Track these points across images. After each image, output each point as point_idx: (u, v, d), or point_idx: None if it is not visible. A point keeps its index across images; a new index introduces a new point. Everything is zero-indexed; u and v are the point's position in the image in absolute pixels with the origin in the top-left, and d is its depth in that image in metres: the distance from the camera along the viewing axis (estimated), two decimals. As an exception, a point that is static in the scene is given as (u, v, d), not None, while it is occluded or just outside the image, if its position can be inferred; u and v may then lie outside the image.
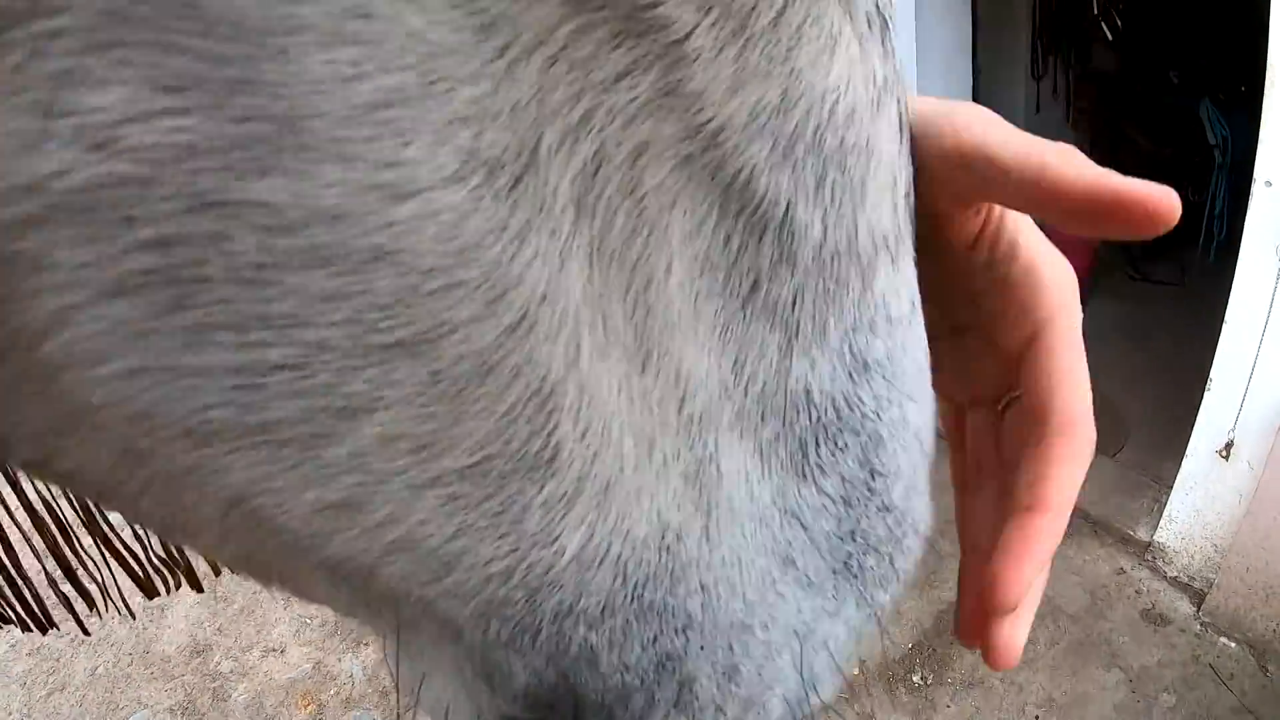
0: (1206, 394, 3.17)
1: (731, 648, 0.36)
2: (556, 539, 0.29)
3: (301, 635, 3.50)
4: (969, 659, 3.21)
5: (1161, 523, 3.50)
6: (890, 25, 0.32)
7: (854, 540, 0.40)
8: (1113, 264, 5.84)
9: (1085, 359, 0.41)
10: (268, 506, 0.25)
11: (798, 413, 0.35)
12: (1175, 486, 3.39)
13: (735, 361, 0.32)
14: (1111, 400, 4.54)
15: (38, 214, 0.18)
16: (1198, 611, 3.36)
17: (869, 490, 0.40)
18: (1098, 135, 6.06)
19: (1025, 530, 0.40)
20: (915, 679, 3.16)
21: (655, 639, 0.34)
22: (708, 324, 0.31)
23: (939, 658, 3.23)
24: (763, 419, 0.34)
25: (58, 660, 3.13)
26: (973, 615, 0.42)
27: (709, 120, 0.27)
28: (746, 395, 0.33)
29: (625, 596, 0.32)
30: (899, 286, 0.36)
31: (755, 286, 0.31)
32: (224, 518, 0.26)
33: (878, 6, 0.31)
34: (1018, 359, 0.42)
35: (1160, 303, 5.44)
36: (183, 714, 3.13)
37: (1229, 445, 3.15)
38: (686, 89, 0.26)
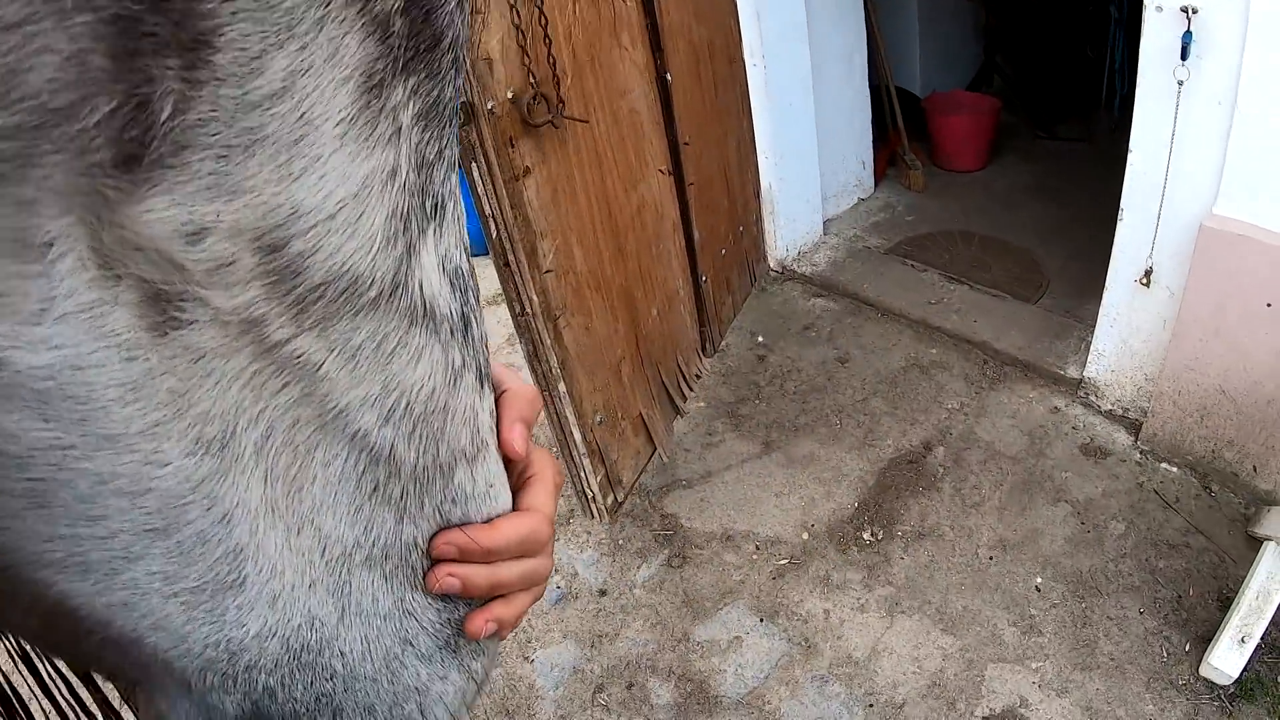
0: (1120, 224, 3.16)
1: (367, 692, 0.58)
2: (245, 625, 0.50)
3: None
4: (915, 510, 3.21)
5: (1090, 358, 3.52)
6: (472, 325, 0.55)
7: (451, 626, 0.62)
8: (1021, 127, 5.87)
9: (555, 495, 0.70)
10: (80, 606, 0.45)
11: (409, 553, 0.57)
12: (1099, 319, 3.40)
13: (365, 529, 0.54)
14: (1029, 251, 4.56)
15: None
16: (1136, 440, 3.39)
17: (459, 596, 0.61)
18: (993, 1, 6.05)
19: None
20: (865, 536, 3.14)
21: (312, 682, 0.55)
22: (344, 508, 0.52)
23: (885, 513, 3.22)
24: (386, 558, 0.56)
25: None
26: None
27: (334, 406, 0.48)
28: (374, 546, 0.55)
29: (288, 656, 0.53)
30: (475, 476, 0.59)
31: (376, 488, 0.53)
32: (49, 613, 0.45)
33: (462, 317, 0.54)
34: (517, 491, 0.68)
35: (1068, 159, 5.46)
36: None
37: (1148, 273, 3.15)
38: (319, 392, 0.47)
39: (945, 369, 3.87)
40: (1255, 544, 2.88)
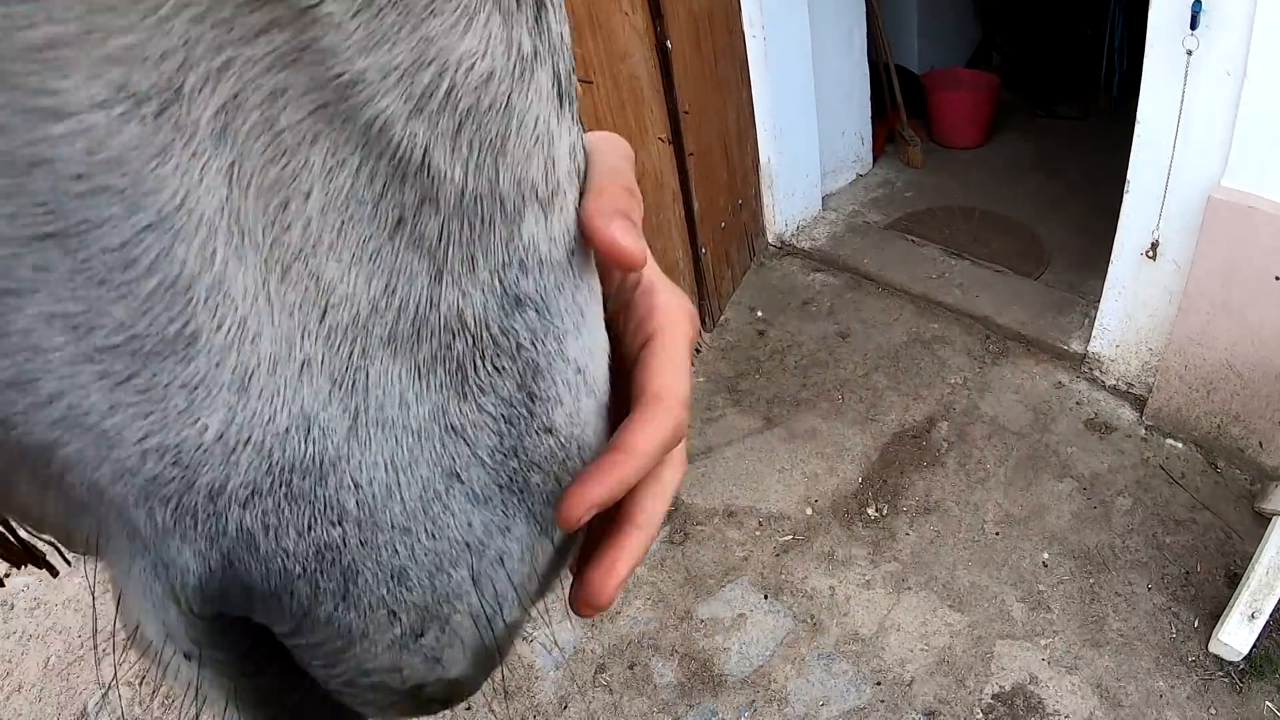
0: (1126, 196, 3.11)
1: (396, 549, 0.38)
2: (200, 419, 0.33)
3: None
4: (920, 486, 3.17)
5: (1094, 333, 3.48)
6: (549, 9, 0.38)
7: (517, 457, 0.41)
8: (1020, 104, 5.82)
9: (688, 362, 0.49)
10: None
11: (454, 337, 0.38)
12: (1104, 293, 3.36)
13: (386, 286, 0.35)
14: (1029, 227, 4.52)
15: None
16: (1141, 416, 3.36)
17: (529, 412, 0.41)
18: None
19: (615, 538, 0.46)
20: (870, 512, 3.10)
21: (310, 526, 0.36)
22: (353, 248, 0.34)
23: (890, 488, 3.17)
24: (418, 339, 0.37)
25: (10, 661, 2.93)
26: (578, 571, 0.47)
27: (341, 74, 0.31)
28: (399, 317, 0.36)
29: (271, 480, 0.35)
30: (553, 234, 0.40)
31: (401, 222, 0.35)
32: None
33: None
34: (636, 360, 0.48)
35: (1067, 137, 5.42)
36: (140, 686, 2.97)
37: (1154, 245, 3.10)
38: (318, 46, 0.30)
39: (947, 344, 3.83)
40: (1262, 520, 2.85)
